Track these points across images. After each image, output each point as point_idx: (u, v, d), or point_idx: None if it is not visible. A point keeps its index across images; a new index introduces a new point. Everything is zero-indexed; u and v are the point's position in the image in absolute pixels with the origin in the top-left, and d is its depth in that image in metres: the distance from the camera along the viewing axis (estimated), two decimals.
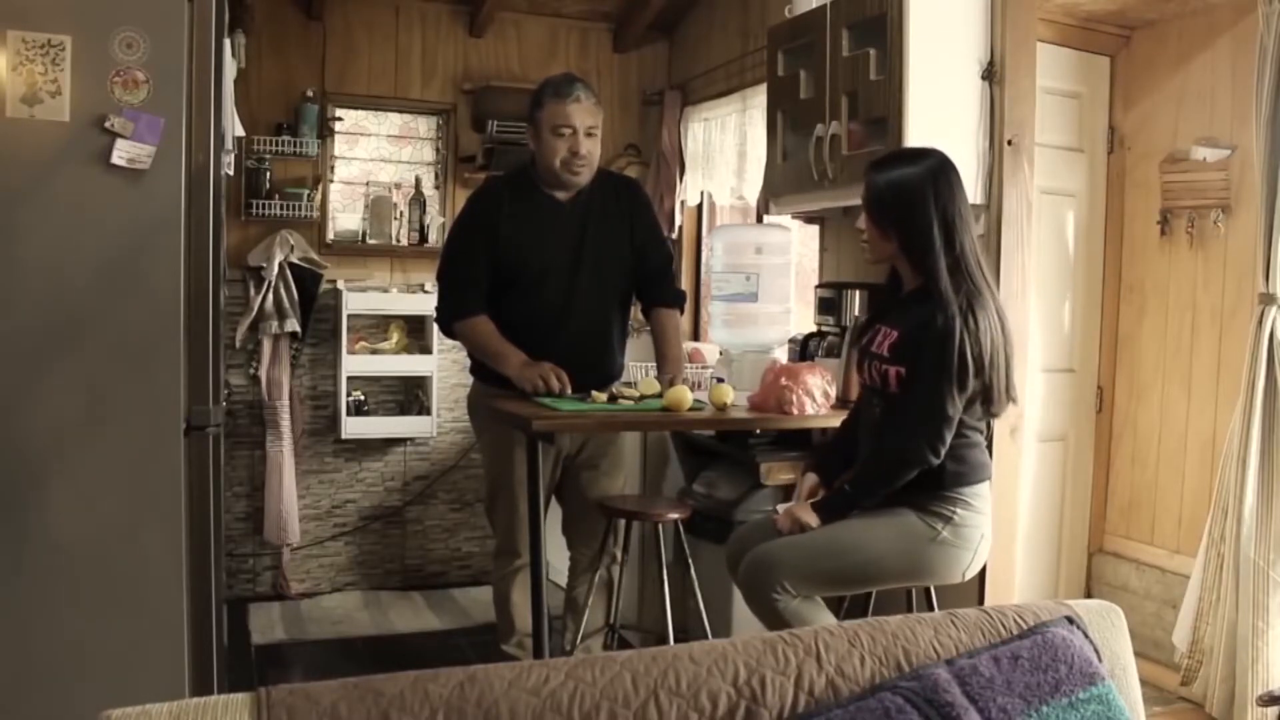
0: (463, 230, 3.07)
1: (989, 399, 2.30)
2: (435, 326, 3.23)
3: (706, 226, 4.75)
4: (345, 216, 4.60)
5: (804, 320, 3.68)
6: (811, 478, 2.58)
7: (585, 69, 4.79)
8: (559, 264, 3.00)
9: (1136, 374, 3.54)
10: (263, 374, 4.30)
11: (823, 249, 3.82)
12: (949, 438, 2.26)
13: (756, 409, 2.82)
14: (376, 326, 4.56)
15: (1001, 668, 1.31)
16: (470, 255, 3.01)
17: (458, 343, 3.19)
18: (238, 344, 4.26)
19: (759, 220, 4.08)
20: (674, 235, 4.62)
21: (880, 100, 2.90)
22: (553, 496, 3.20)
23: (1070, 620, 1.45)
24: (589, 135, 2.97)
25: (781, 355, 3.47)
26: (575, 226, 3.02)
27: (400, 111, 4.70)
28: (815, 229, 3.86)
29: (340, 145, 4.61)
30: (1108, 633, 1.51)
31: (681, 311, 3.29)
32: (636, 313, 3.26)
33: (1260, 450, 2.83)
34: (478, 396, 3.13)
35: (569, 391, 2.83)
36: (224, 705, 1.15)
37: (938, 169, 2.33)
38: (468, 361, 3.21)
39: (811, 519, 2.38)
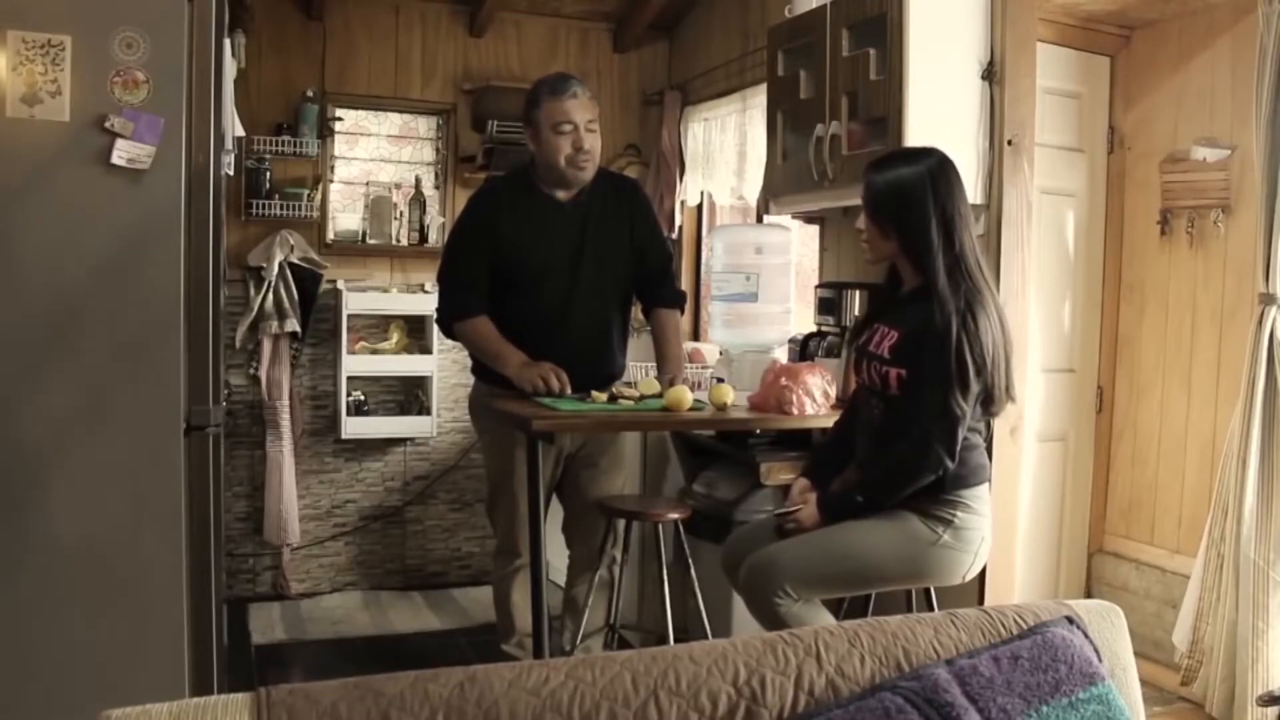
0: (463, 231, 3.07)
1: (989, 399, 2.29)
2: (436, 326, 3.22)
3: (706, 226, 4.75)
4: (345, 216, 4.60)
5: (804, 320, 3.68)
6: (803, 482, 2.57)
7: (585, 69, 4.79)
8: (559, 264, 3.00)
9: (1136, 374, 3.54)
10: (263, 374, 4.30)
11: (823, 249, 3.82)
12: (960, 439, 2.26)
13: (756, 409, 2.81)
14: (376, 326, 4.56)
15: (1001, 668, 1.31)
16: (470, 256, 3.01)
17: (458, 343, 3.19)
18: (238, 344, 4.26)
19: (759, 220, 4.08)
20: (674, 235, 4.62)
21: (880, 100, 2.90)
22: (554, 496, 3.20)
23: (1070, 620, 1.45)
24: (589, 130, 2.96)
25: (781, 355, 3.46)
26: (575, 226, 3.02)
27: (400, 111, 4.70)
28: (815, 229, 3.86)
29: (340, 145, 4.61)
30: (1108, 633, 1.51)
31: (682, 312, 3.29)
32: (637, 313, 3.26)
33: (1260, 450, 2.83)
34: (479, 396, 3.13)
35: (569, 391, 2.83)
36: (224, 705, 1.15)
37: (937, 168, 2.33)
38: (469, 361, 3.22)
39: (813, 518, 2.38)
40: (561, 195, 3.04)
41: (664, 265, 3.21)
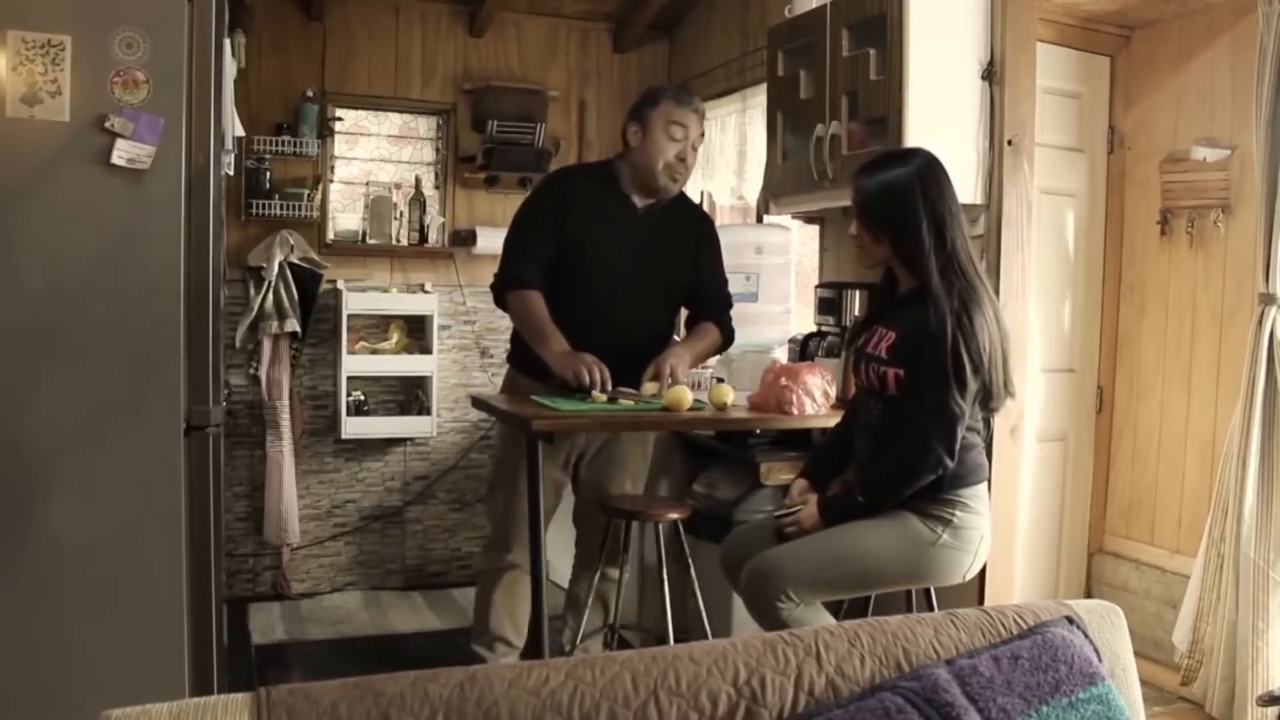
0: (536, 205, 3.07)
1: (988, 395, 2.29)
2: (490, 293, 3.14)
3: None
4: (345, 216, 4.60)
5: (804, 320, 3.68)
6: (801, 483, 2.57)
7: (585, 69, 4.79)
8: (615, 264, 3.00)
9: (1136, 374, 3.54)
10: (263, 374, 4.30)
11: (823, 249, 3.82)
12: (960, 437, 2.26)
13: (756, 409, 2.81)
14: (376, 326, 4.56)
15: (1001, 668, 1.31)
16: (538, 230, 3.01)
17: (505, 312, 3.12)
18: (238, 344, 4.26)
19: (759, 220, 4.08)
20: None
21: (880, 100, 2.90)
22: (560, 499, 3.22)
23: (1070, 620, 1.46)
24: (694, 148, 3.02)
25: (781, 355, 3.47)
26: (642, 232, 3.04)
27: (400, 111, 4.70)
28: (815, 229, 3.86)
29: (340, 145, 4.60)
30: (1108, 633, 1.51)
31: (725, 347, 3.21)
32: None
33: (1260, 450, 2.83)
34: (507, 385, 3.17)
35: (610, 387, 2.80)
36: (224, 705, 1.15)
37: (925, 168, 2.33)
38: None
39: (813, 519, 2.38)
40: (638, 201, 3.05)
41: (724, 300, 3.20)
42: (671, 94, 3.05)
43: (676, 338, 3.25)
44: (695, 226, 3.19)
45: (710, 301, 3.18)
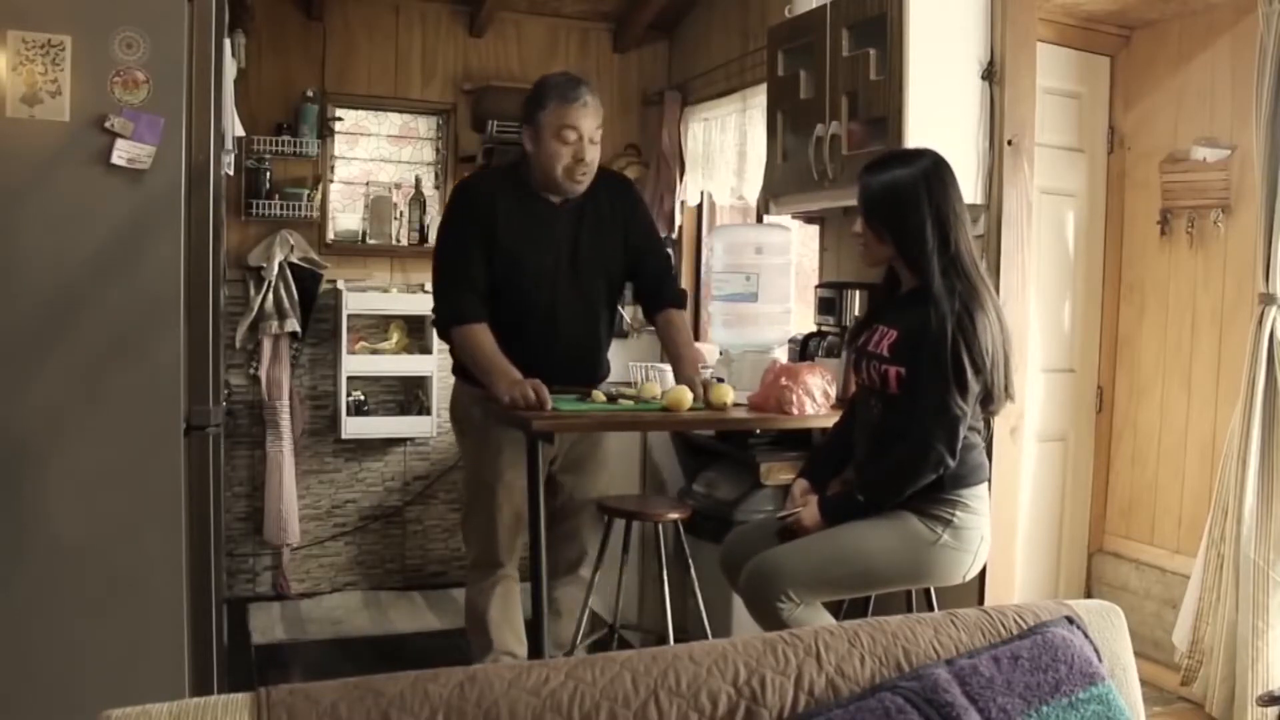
0: (458, 230, 2.92)
1: (988, 398, 2.29)
2: (433, 330, 3.12)
3: (706, 226, 4.75)
4: (345, 216, 4.60)
5: (804, 320, 3.68)
6: (802, 483, 2.57)
7: (585, 69, 4.77)
8: (551, 266, 2.91)
9: (1136, 374, 3.54)
10: (263, 374, 4.30)
11: (823, 249, 3.82)
12: (961, 438, 2.26)
13: (756, 409, 2.81)
14: (376, 326, 4.56)
15: (1001, 668, 1.31)
16: (468, 255, 2.88)
17: (450, 346, 3.10)
18: (238, 344, 4.26)
19: (759, 220, 4.08)
20: (674, 235, 4.62)
21: (880, 100, 2.90)
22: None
23: (1070, 620, 1.46)
24: (592, 142, 2.86)
25: (781, 355, 3.47)
26: (569, 228, 2.93)
27: (400, 111, 4.70)
28: (815, 229, 3.86)
29: (340, 145, 4.61)
30: (1108, 633, 1.51)
31: (684, 308, 3.19)
32: (636, 313, 3.23)
33: (1260, 450, 2.83)
34: (462, 398, 3.03)
35: (548, 407, 2.66)
36: (224, 705, 1.15)
37: (931, 169, 2.32)
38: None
39: (813, 520, 2.38)
40: (554, 197, 2.93)
41: (664, 266, 3.14)
42: (556, 92, 2.82)
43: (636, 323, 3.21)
44: (618, 202, 3.02)
45: (659, 279, 3.09)
